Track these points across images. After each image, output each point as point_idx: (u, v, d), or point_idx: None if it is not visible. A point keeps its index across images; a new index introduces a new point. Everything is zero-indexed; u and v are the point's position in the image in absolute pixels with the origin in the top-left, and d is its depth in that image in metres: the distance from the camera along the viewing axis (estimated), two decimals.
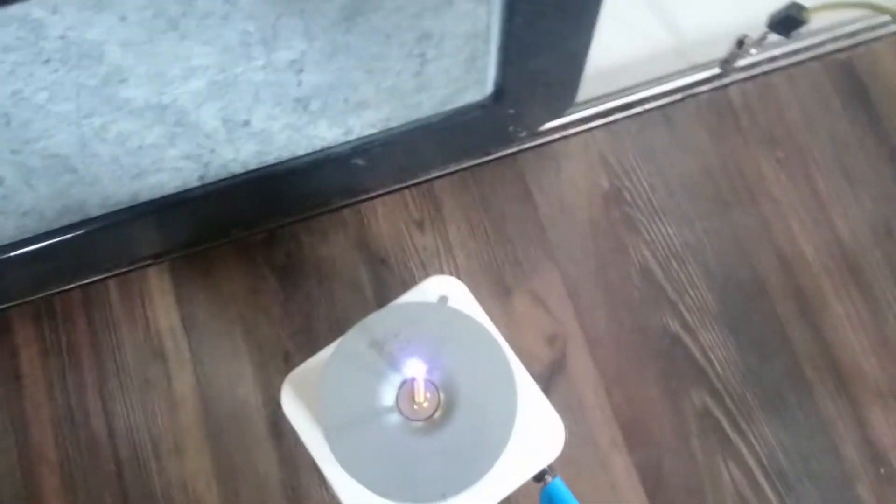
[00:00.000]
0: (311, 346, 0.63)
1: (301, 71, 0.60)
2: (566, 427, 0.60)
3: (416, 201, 0.87)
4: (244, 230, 0.85)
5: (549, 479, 0.69)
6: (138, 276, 0.84)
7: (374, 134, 0.73)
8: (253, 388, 0.81)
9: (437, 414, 0.55)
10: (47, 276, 0.80)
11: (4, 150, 0.57)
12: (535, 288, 0.84)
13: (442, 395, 0.55)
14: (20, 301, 0.82)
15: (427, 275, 0.63)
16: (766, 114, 0.90)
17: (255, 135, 0.65)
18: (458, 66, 0.66)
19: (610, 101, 0.90)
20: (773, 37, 0.85)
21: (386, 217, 0.86)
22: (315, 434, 0.60)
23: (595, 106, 0.89)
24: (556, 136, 0.89)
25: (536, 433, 0.66)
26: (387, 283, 0.84)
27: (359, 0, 0.55)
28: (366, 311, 0.61)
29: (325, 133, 0.69)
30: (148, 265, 0.84)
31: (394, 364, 0.56)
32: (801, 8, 0.75)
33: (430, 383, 0.55)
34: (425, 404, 0.55)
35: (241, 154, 0.68)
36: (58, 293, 0.83)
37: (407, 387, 0.56)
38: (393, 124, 0.72)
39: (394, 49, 0.61)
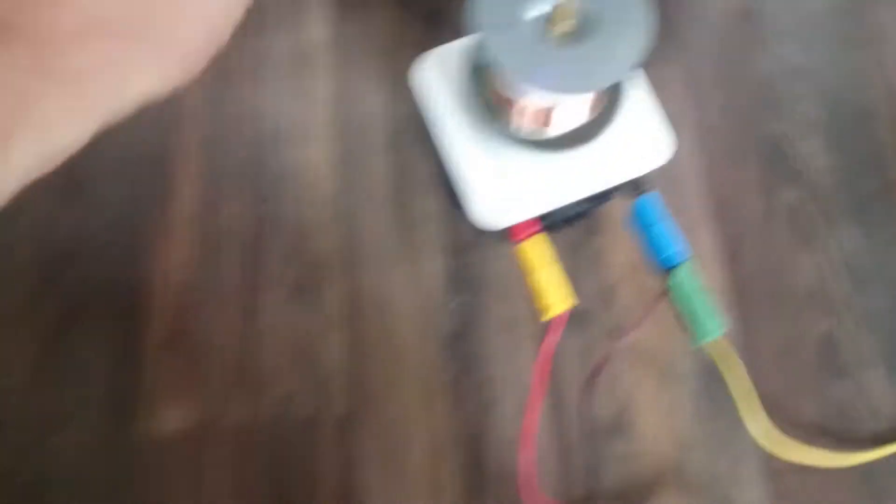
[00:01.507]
0: None
1: None
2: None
3: None
4: None
5: (647, 190, 0.75)
6: None
7: None
8: (384, 106, 0.88)
9: (575, 35, 0.62)
10: None
11: None
12: (660, 74, 0.90)
13: (582, 21, 0.62)
14: None
15: None
16: None
17: None
18: None
19: None
20: None
21: None
22: (443, 108, 0.69)
23: None
24: None
25: (646, 137, 0.72)
26: None
27: None
28: None
29: None
30: None
31: None
32: None
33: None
34: (567, 24, 0.62)
35: None
36: None
37: (550, 13, 0.63)
38: None
39: None
